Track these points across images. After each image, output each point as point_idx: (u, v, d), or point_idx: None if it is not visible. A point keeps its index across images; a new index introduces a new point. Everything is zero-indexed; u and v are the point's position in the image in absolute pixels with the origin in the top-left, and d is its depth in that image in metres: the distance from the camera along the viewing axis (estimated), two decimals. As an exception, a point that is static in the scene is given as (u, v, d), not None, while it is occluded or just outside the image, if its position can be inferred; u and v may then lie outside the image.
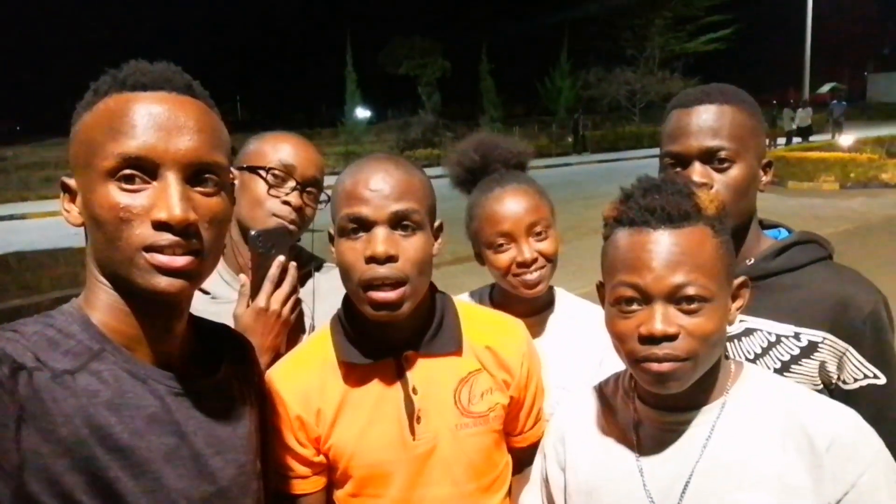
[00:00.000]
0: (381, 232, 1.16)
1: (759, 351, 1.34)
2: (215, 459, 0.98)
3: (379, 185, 1.18)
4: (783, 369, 1.32)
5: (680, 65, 38.03)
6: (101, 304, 0.93)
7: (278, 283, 1.42)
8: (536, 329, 1.59)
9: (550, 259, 1.55)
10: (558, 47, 41.08)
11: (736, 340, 1.37)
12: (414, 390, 1.25)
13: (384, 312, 1.18)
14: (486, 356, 1.32)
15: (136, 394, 0.90)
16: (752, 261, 1.39)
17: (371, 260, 1.16)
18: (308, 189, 1.57)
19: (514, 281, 1.55)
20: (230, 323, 1.41)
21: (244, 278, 1.44)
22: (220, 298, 1.55)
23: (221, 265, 1.61)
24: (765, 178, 1.40)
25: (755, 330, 1.35)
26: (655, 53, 39.67)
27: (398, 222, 1.18)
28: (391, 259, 1.16)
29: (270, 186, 1.53)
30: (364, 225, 1.18)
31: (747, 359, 1.34)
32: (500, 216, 1.54)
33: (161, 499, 0.89)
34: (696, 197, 1.06)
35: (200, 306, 1.51)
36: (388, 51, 40.32)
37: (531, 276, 1.54)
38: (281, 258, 1.43)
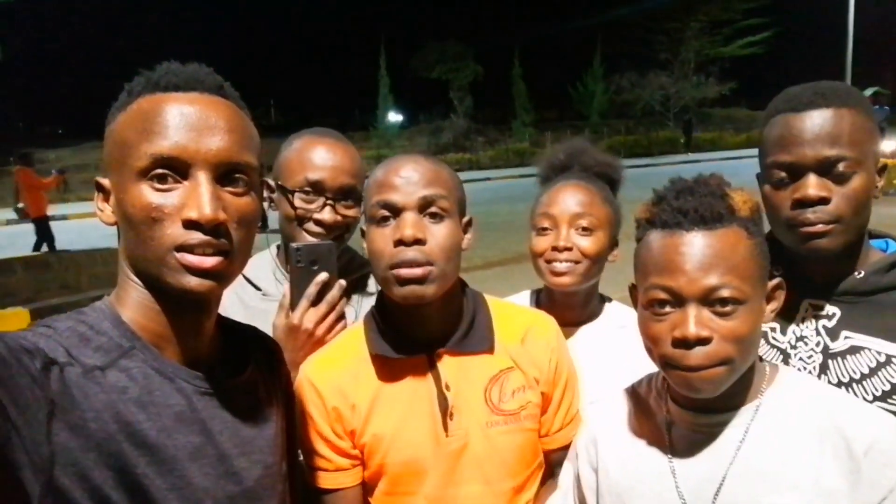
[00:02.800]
0: (409, 216, 1.20)
1: (865, 371, 1.25)
2: (241, 460, 0.98)
3: (408, 173, 1.22)
4: (892, 392, 1.23)
5: (716, 69, 37.50)
6: (131, 301, 0.94)
7: (317, 301, 1.39)
8: (579, 339, 1.59)
9: (588, 257, 1.55)
10: (591, 52, 40.91)
11: (839, 358, 1.28)
12: (447, 387, 1.26)
13: (411, 288, 1.19)
14: (518, 353, 1.32)
15: (164, 392, 0.91)
16: (862, 273, 1.28)
17: (399, 243, 1.18)
18: (342, 199, 1.52)
19: (544, 266, 1.58)
20: None
21: (286, 289, 1.42)
22: (271, 296, 1.56)
23: (276, 264, 1.62)
24: (880, 183, 1.28)
25: (862, 348, 1.26)
26: (690, 57, 39.20)
27: (426, 208, 1.21)
28: (419, 242, 1.18)
29: (297, 209, 1.49)
30: (393, 210, 1.21)
31: (852, 379, 1.26)
32: (552, 201, 1.59)
33: (188, 496, 0.90)
34: (730, 198, 1.04)
35: (251, 302, 1.55)
36: (420, 55, 40.55)
37: (560, 265, 1.55)
38: (323, 276, 1.39)
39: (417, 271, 1.18)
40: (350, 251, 1.63)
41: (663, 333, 1.03)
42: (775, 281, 1.09)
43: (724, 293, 0.99)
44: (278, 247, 1.65)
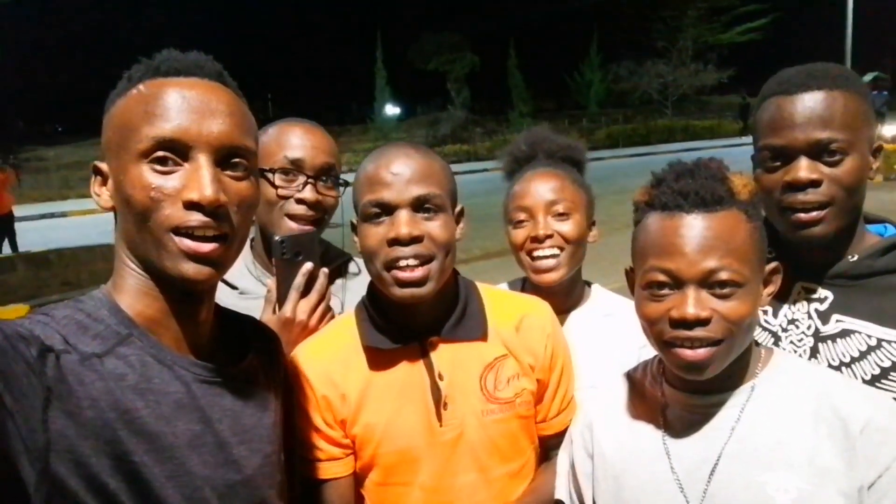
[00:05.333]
0: (404, 214, 1.18)
1: (856, 354, 1.25)
2: (240, 448, 0.98)
3: (400, 168, 1.20)
4: (882, 376, 1.23)
5: (714, 56, 37.32)
6: (129, 288, 0.94)
7: (306, 291, 1.39)
8: (565, 326, 1.57)
9: (570, 241, 1.54)
10: (588, 41, 40.75)
11: (830, 341, 1.28)
12: (440, 376, 1.25)
13: (409, 290, 1.18)
14: (513, 340, 1.31)
15: (163, 379, 0.91)
16: (856, 257, 1.29)
17: (394, 242, 1.17)
18: (322, 178, 1.52)
19: (527, 259, 1.56)
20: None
21: (271, 283, 1.41)
22: (247, 294, 1.54)
23: (250, 260, 1.60)
24: (875, 165, 1.26)
25: (853, 332, 1.26)
26: (688, 45, 38.93)
27: (420, 205, 1.20)
28: (415, 240, 1.18)
29: (278, 188, 1.48)
30: (387, 209, 1.19)
31: (842, 362, 1.26)
32: (524, 192, 1.57)
33: (186, 484, 0.90)
34: (730, 181, 1.05)
35: (228, 301, 1.47)
36: (417, 47, 40.38)
37: (544, 261, 1.53)
38: (308, 265, 1.39)
39: (417, 273, 1.17)
40: (324, 242, 1.61)
41: (661, 313, 1.04)
42: (773, 265, 1.10)
43: (723, 276, 1.00)
44: (252, 240, 1.63)
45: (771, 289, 1.10)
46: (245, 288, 1.55)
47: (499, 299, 1.37)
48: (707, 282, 1.00)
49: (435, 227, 1.20)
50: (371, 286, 1.32)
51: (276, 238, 1.39)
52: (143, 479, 0.86)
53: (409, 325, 1.26)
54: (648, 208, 1.09)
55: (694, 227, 1.01)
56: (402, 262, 1.17)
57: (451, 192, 1.26)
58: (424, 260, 1.18)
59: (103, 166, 0.94)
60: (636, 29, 39.22)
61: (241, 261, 1.59)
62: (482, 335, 1.29)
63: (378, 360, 1.26)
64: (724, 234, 1.01)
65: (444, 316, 1.28)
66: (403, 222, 1.17)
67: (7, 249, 11.34)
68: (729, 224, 1.02)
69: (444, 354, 1.27)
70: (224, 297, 1.50)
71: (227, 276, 1.52)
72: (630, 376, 1.27)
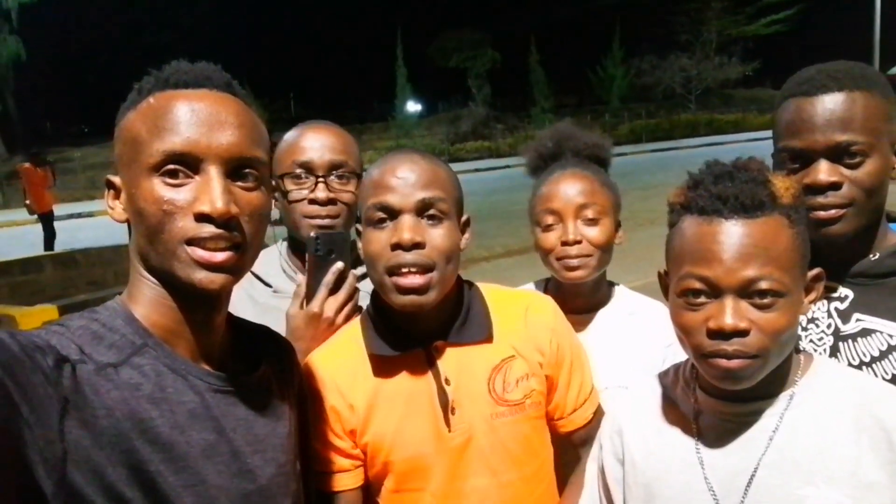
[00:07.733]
0: (407, 219, 1.17)
1: (876, 354, 1.23)
2: (254, 458, 0.98)
3: (405, 173, 1.19)
4: None
5: (738, 49, 36.81)
6: (143, 298, 0.94)
7: (335, 289, 1.40)
8: (590, 326, 1.57)
9: (598, 246, 1.51)
10: (610, 35, 40.38)
11: (851, 341, 1.26)
12: (446, 381, 1.24)
13: (411, 298, 1.17)
14: (519, 340, 1.29)
15: (177, 389, 0.91)
16: (877, 256, 1.26)
17: (397, 247, 1.16)
18: (334, 175, 1.51)
19: (556, 263, 1.54)
20: None
21: (301, 278, 1.43)
22: (281, 292, 1.54)
23: (286, 259, 1.61)
24: None
25: (874, 331, 1.24)
26: (712, 38, 38.51)
27: (424, 210, 1.18)
28: (418, 246, 1.16)
29: (287, 192, 1.50)
30: (390, 213, 1.18)
31: (862, 362, 1.24)
32: (552, 195, 1.54)
33: (201, 494, 0.90)
34: (772, 185, 1.00)
35: (262, 298, 1.53)
36: (437, 44, 40.40)
37: (572, 260, 1.51)
38: (340, 264, 1.40)
39: (418, 280, 1.16)
40: (357, 249, 1.62)
41: (697, 323, 1.00)
42: (816, 271, 1.05)
43: (764, 285, 0.95)
44: (285, 241, 1.65)
45: (813, 296, 1.05)
46: (279, 286, 1.57)
47: (501, 299, 1.35)
48: (746, 291, 0.96)
49: (438, 234, 1.18)
50: (374, 294, 1.30)
51: (311, 234, 1.41)
52: (159, 489, 0.86)
53: (414, 331, 1.25)
54: (684, 211, 1.04)
55: (733, 234, 0.97)
56: (404, 269, 1.16)
57: (457, 199, 1.25)
58: (425, 268, 1.16)
59: (116, 179, 0.95)
60: (659, 22, 38.85)
61: (277, 260, 1.62)
62: (487, 337, 1.27)
63: (384, 367, 1.25)
64: (764, 241, 0.96)
65: (449, 320, 1.26)
66: (406, 227, 1.16)
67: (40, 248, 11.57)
68: (770, 230, 0.97)
69: (451, 359, 1.25)
70: (258, 294, 1.56)
71: (262, 275, 1.58)
72: (660, 380, 1.23)
